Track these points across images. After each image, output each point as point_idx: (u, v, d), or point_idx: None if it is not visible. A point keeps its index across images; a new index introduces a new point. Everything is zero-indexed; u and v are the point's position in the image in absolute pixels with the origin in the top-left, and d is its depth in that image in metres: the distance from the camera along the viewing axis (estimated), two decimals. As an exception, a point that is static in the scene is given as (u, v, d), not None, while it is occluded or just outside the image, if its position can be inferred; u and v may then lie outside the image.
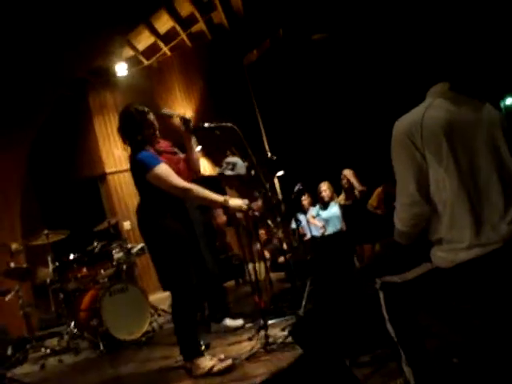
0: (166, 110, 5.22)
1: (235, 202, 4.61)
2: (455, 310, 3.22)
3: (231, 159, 6.29)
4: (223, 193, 6.12)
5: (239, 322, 6.20)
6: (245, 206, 4.58)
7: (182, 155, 5.12)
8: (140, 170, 4.57)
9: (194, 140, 5.13)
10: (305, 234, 9.03)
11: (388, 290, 2.87)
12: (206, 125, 5.10)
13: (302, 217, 8.84)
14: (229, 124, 5.19)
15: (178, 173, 4.67)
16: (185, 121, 5.07)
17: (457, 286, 2.64)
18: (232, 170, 6.23)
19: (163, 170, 4.49)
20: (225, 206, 4.65)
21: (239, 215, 6.38)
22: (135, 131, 4.74)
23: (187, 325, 4.65)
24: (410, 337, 2.80)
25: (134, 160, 4.66)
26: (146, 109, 4.89)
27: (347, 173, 9.38)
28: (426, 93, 2.86)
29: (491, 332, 2.81)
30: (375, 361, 3.57)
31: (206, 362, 4.53)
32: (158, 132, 4.88)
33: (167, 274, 4.70)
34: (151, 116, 4.87)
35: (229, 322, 6.21)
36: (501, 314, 2.60)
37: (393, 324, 2.84)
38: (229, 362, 4.53)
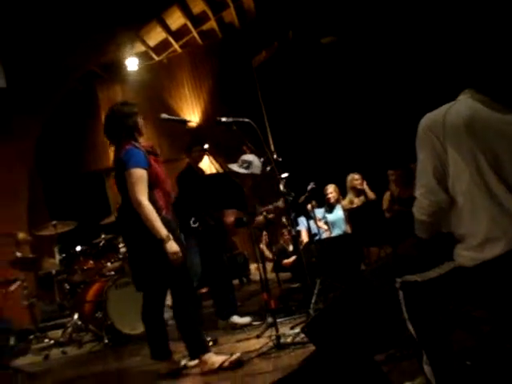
0: (164, 115, 5.10)
1: (173, 247, 4.43)
2: (467, 316, 3.21)
3: (247, 157, 6.22)
4: (235, 189, 6.09)
5: (246, 319, 6.18)
6: (175, 257, 4.40)
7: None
8: (122, 166, 4.46)
9: None
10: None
11: (408, 290, 2.84)
12: (224, 119, 5.06)
13: (302, 219, 8.78)
14: (246, 119, 5.18)
15: (162, 174, 4.65)
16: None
17: (478, 286, 2.63)
18: (247, 168, 6.17)
19: (141, 175, 4.40)
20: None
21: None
22: (119, 129, 4.63)
23: (191, 322, 4.58)
24: (432, 336, 2.77)
25: (119, 158, 4.53)
26: (133, 109, 4.75)
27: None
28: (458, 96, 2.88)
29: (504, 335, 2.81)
30: (389, 360, 3.55)
31: (214, 358, 4.48)
32: (141, 130, 4.76)
33: (158, 274, 4.54)
34: (136, 116, 4.72)
35: (236, 319, 6.19)
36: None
37: (413, 324, 2.81)
38: (237, 355, 4.49)
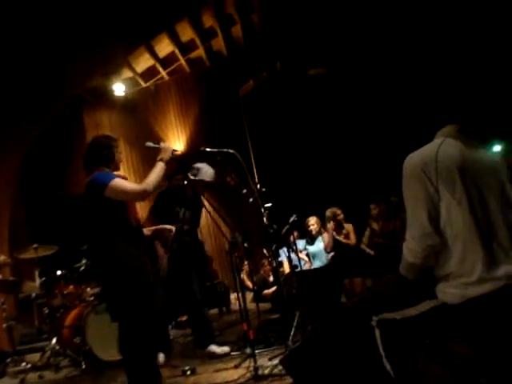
0: (149, 143, 5.06)
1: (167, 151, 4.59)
2: (449, 352, 3.23)
3: (197, 164, 6.20)
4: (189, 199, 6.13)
5: (225, 348, 6.16)
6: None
7: None
8: (97, 188, 4.38)
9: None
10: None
11: (385, 327, 2.85)
12: (208, 149, 5.10)
13: (283, 250, 8.73)
14: (230, 150, 5.22)
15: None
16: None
17: (466, 322, 2.64)
18: (195, 175, 6.10)
19: (118, 181, 4.36)
20: None
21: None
22: (99, 161, 4.59)
23: (137, 361, 4.31)
24: (409, 373, 2.79)
25: (89, 182, 4.46)
26: (112, 142, 4.72)
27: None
28: (436, 133, 2.90)
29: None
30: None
31: None
32: (117, 163, 4.73)
33: (126, 307, 4.34)
34: (114, 149, 4.70)
35: (215, 348, 6.17)
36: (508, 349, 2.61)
37: (390, 361, 2.82)
38: None
